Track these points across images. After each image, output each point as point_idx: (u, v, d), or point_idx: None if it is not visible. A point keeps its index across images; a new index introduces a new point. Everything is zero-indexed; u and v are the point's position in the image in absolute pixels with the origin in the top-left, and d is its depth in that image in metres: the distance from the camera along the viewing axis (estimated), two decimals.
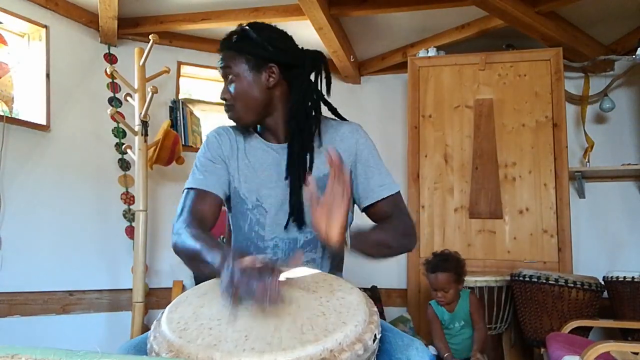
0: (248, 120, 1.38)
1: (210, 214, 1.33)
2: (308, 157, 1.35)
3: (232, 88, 1.36)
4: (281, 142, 1.40)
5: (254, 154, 1.40)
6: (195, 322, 0.84)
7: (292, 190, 1.34)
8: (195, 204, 1.31)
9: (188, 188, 1.36)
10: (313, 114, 1.39)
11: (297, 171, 1.34)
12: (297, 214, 1.33)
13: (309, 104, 1.39)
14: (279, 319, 0.83)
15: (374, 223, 1.36)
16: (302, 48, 1.44)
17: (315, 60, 1.41)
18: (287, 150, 1.37)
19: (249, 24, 1.40)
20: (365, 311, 0.89)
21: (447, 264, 2.57)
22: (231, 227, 1.46)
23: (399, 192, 1.40)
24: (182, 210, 1.32)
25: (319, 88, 1.42)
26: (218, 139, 1.43)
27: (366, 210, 1.41)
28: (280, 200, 1.35)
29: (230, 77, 1.36)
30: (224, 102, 1.39)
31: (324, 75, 1.43)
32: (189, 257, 1.19)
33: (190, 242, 1.18)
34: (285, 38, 1.41)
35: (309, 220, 1.29)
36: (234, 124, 1.44)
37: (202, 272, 1.19)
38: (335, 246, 1.12)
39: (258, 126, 1.45)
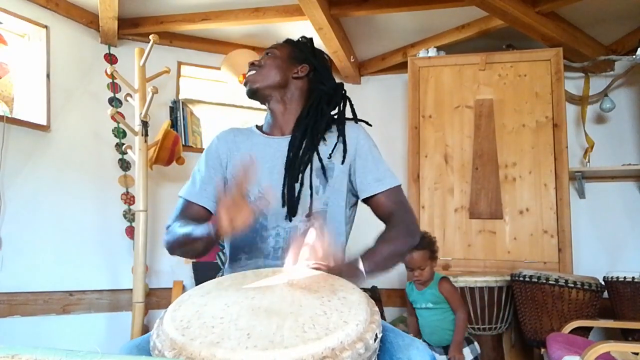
0: (259, 85, 1.50)
1: (197, 221, 1.42)
2: (307, 156, 1.42)
3: (265, 59, 1.54)
4: (285, 135, 1.50)
5: (256, 149, 1.48)
6: (198, 321, 0.84)
7: (286, 182, 1.40)
8: (185, 210, 1.45)
9: (180, 195, 1.49)
10: (323, 117, 1.49)
11: (294, 165, 1.41)
12: (289, 204, 1.39)
13: (324, 108, 1.51)
14: (281, 317, 0.83)
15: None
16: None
17: (342, 87, 1.59)
18: (289, 143, 1.44)
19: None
20: (367, 310, 0.89)
21: (421, 242, 2.63)
22: None
23: (398, 186, 1.46)
24: (173, 214, 1.46)
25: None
26: (216, 143, 1.54)
27: (367, 204, 1.47)
28: (281, 191, 1.40)
29: (270, 54, 1.55)
30: (251, 66, 1.54)
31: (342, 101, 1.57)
32: (183, 243, 1.32)
33: (180, 230, 1.31)
34: (329, 64, 1.63)
35: (302, 209, 1.40)
36: (238, 126, 1.56)
37: (199, 254, 1.34)
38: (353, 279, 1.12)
39: (265, 122, 1.56)
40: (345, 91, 1.58)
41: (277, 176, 1.42)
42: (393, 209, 1.41)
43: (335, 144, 1.46)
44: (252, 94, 1.51)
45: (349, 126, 1.50)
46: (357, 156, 1.46)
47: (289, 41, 1.60)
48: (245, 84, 1.53)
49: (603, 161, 3.55)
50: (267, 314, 0.85)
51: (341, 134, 1.47)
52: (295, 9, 3.21)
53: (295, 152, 1.42)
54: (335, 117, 1.53)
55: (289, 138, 1.46)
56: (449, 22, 3.51)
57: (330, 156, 1.44)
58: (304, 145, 1.43)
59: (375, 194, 1.43)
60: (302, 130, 1.45)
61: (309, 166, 1.41)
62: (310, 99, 1.51)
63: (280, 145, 1.46)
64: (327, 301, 0.91)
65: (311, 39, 1.62)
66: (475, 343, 2.63)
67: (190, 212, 1.44)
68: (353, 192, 1.48)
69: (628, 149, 3.60)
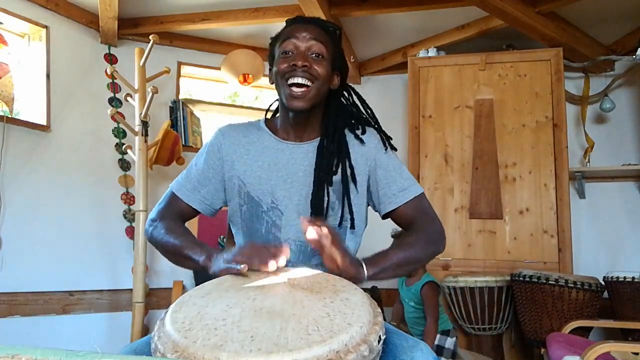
0: (313, 103, 1.31)
1: (182, 219, 1.38)
2: (337, 164, 1.33)
3: (316, 63, 1.29)
4: (303, 141, 1.37)
5: (268, 154, 1.36)
6: (200, 322, 0.83)
7: (315, 191, 1.31)
8: (173, 204, 1.38)
9: (171, 189, 1.40)
10: (360, 119, 1.43)
11: (323, 173, 1.31)
12: (317, 214, 1.30)
13: (352, 113, 1.43)
14: (284, 319, 0.83)
15: (392, 232, 1.36)
16: None
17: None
18: (318, 149, 1.34)
19: None
20: (370, 312, 0.89)
21: None
22: (241, 228, 1.40)
23: (422, 193, 1.37)
24: (160, 204, 1.38)
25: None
26: (221, 140, 1.39)
27: (390, 215, 1.38)
28: (295, 201, 1.32)
29: (318, 52, 1.30)
30: (302, 65, 1.27)
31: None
32: (167, 250, 1.27)
33: (169, 237, 1.25)
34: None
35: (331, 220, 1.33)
36: (239, 122, 1.46)
37: (180, 265, 1.27)
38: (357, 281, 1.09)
39: (279, 124, 1.41)
40: (353, 89, 1.47)
41: (289, 184, 1.33)
42: (416, 218, 1.33)
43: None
44: (302, 112, 1.31)
45: (366, 131, 1.40)
46: (377, 167, 1.36)
47: (324, 29, 1.35)
48: (294, 96, 1.28)
49: (603, 161, 3.55)
50: (269, 315, 0.84)
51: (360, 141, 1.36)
52: (295, 9, 3.21)
53: (326, 160, 1.31)
54: (354, 121, 1.42)
55: (305, 145, 1.36)
56: (449, 22, 3.51)
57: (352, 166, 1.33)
58: (333, 153, 1.32)
59: (400, 206, 1.33)
60: (330, 138, 1.33)
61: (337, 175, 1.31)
62: (332, 104, 1.39)
63: (295, 152, 1.35)
64: (330, 302, 0.91)
65: (340, 36, 1.43)
66: (450, 339, 2.62)
67: (178, 207, 1.37)
68: (371, 204, 1.40)
69: (628, 149, 3.60)
